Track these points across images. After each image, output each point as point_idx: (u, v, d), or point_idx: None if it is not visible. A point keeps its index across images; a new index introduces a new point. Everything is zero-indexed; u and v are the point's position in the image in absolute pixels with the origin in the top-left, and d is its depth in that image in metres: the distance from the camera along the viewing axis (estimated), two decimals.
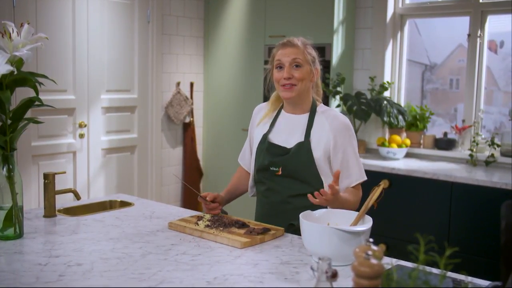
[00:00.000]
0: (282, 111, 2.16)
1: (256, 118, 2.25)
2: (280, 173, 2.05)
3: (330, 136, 2.02)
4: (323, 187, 2.02)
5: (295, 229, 1.96)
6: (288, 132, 2.09)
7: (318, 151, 2.01)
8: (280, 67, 2.04)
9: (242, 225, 1.92)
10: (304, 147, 2.02)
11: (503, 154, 3.52)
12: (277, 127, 2.13)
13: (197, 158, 4.81)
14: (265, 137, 2.13)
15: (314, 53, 2.09)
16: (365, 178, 2.07)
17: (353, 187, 2.03)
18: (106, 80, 4.10)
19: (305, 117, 2.09)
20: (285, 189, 2.05)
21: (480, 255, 3.02)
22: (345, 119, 2.07)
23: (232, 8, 4.55)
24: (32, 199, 3.67)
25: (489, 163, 3.51)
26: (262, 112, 2.23)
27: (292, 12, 4.11)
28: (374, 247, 1.05)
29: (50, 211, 2.09)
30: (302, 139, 2.04)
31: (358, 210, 1.76)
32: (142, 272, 1.50)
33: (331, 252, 1.55)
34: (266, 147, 2.09)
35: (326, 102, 3.92)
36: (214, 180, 4.80)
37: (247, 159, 2.29)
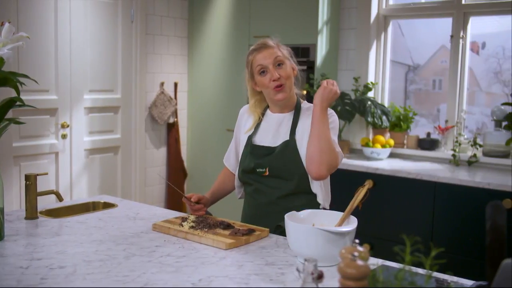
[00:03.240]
0: (268, 111, 2.16)
1: (242, 121, 2.23)
2: (267, 173, 2.04)
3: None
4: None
5: (282, 231, 1.95)
6: (273, 132, 2.09)
7: (303, 149, 2.01)
8: (263, 71, 2.04)
9: (227, 226, 1.91)
10: (290, 145, 2.02)
11: (485, 154, 3.56)
12: (262, 128, 2.13)
13: (181, 159, 4.79)
14: (250, 139, 2.12)
15: (286, 48, 2.11)
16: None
17: None
18: (89, 80, 4.06)
19: (290, 115, 2.09)
20: (272, 190, 2.04)
21: (463, 255, 3.05)
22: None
23: (216, 8, 4.54)
24: (13, 200, 3.62)
25: (471, 163, 3.55)
26: (247, 114, 2.21)
27: (277, 13, 4.11)
28: (360, 248, 1.05)
29: (31, 213, 2.06)
30: (287, 137, 2.04)
31: (344, 207, 1.75)
32: (126, 275, 1.48)
33: (317, 253, 1.55)
34: (250, 150, 2.09)
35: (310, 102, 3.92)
36: (198, 181, 4.78)
37: (232, 160, 2.27)
